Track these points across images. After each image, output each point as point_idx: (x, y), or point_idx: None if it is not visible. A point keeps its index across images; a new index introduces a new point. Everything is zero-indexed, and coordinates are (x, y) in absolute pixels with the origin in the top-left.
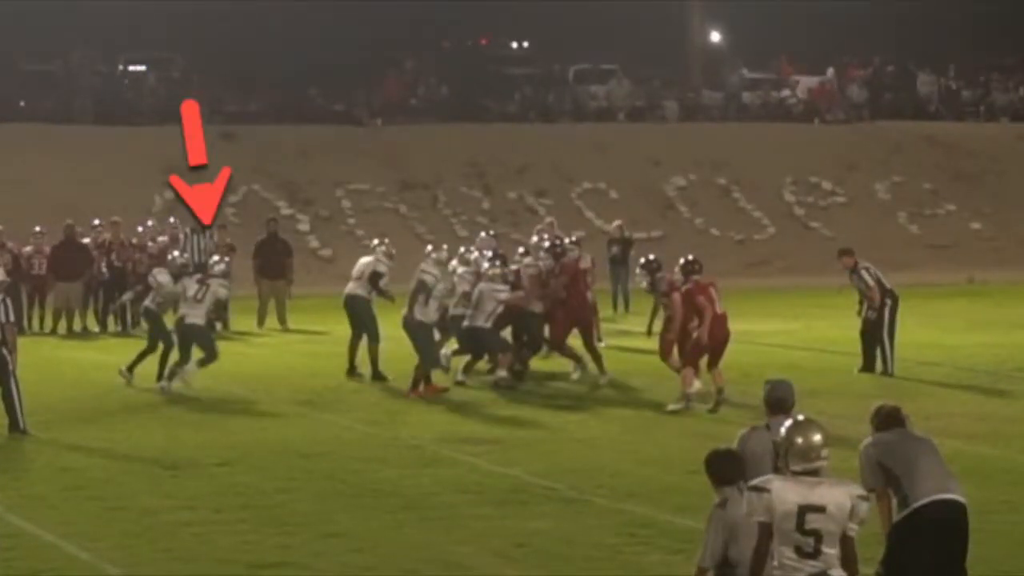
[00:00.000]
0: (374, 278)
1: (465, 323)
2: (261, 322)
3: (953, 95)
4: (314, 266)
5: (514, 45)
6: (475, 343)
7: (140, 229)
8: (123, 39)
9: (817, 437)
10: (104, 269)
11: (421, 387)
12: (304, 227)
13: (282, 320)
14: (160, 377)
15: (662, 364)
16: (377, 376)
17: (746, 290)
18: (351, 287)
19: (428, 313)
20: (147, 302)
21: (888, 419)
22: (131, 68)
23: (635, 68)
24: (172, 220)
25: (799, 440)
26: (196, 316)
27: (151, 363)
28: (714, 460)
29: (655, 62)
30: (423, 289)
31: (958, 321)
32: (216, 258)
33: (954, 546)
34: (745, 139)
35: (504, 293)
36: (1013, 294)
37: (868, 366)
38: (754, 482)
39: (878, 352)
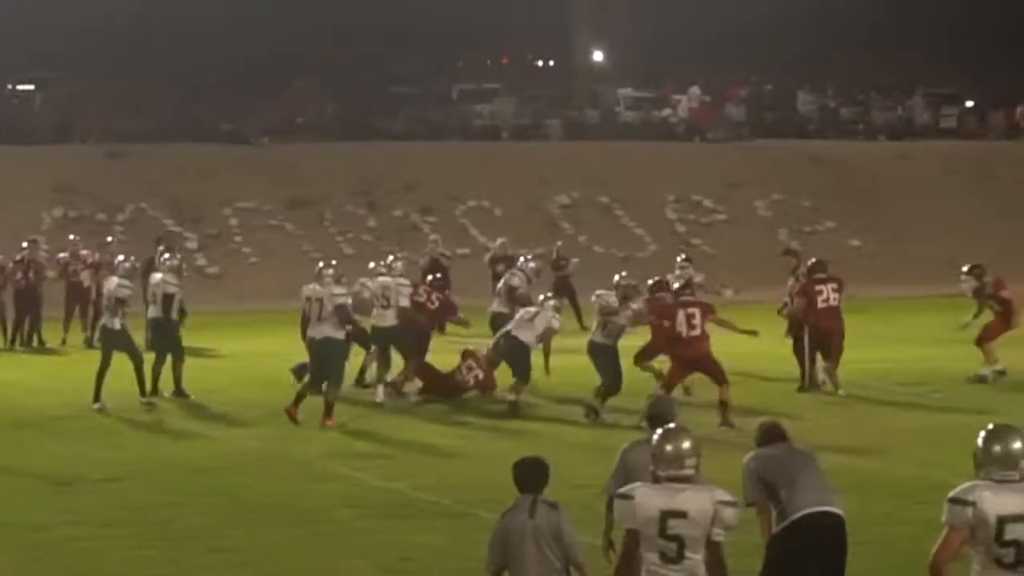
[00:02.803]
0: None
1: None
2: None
3: (832, 114)
4: (202, 284)
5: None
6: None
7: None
8: (11, 59)
9: (686, 444)
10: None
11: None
12: (192, 245)
13: None
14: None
15: (547, 379)
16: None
17: None
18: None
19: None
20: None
21: (769, 434)
22: (19, 87)
23: (519, 87)
24: (72, 237)
25: (668, 448)
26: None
27: (38, 374)
28: (519, 466)
29: (539, 81)
30: (342, 311)
31: None
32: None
33: (832, 558)
34: (628, 157)
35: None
36: (893, 310)
37: (812, 383)
38: (621, 490)
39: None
